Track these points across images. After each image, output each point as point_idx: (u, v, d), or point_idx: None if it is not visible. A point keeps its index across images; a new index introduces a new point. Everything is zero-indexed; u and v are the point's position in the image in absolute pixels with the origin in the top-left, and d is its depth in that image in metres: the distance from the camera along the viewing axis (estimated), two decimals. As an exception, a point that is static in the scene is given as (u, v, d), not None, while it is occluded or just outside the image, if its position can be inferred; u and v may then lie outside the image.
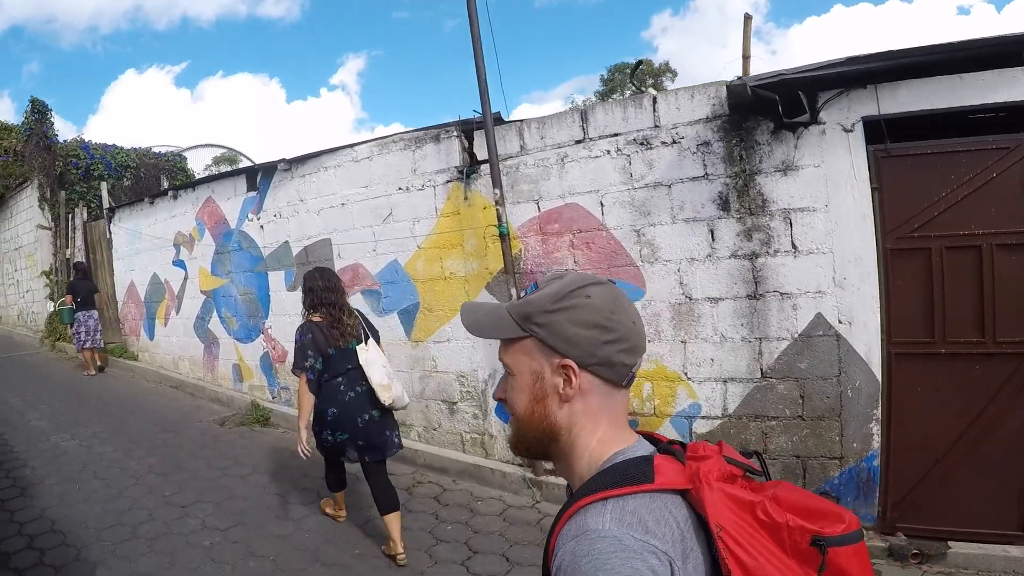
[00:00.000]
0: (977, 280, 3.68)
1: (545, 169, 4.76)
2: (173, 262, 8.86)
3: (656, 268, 4.38)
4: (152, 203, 9.25)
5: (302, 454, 3.87)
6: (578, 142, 4.62)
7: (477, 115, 4.98)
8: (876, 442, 3.89)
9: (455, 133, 5.20)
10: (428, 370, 5.57)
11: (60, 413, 7.50)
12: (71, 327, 9.93)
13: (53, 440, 6.42)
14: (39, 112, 12.30)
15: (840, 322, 3.92)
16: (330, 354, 3.84)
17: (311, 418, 3.89)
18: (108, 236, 10.54)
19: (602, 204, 4.55)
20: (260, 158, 8.28)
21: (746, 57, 5.58)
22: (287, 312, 6.74)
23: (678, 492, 0.87)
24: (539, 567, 0.91)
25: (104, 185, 11.16)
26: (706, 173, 4.17)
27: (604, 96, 31.13)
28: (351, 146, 6.00)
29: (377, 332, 4.21)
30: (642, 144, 4.36)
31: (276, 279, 7.00)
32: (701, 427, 4.32)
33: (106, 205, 10.73)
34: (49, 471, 5.53)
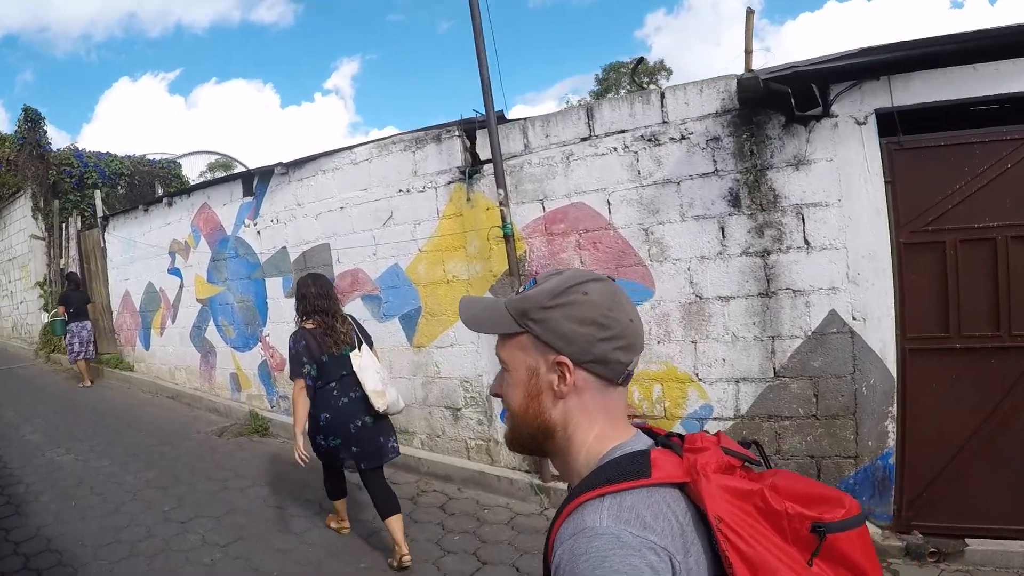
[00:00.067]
0: (992, 273, 3.62)
1: (550, 168, 4.66)
2: (168, 270, 8.72)
3: (665, 267, 4.28)
4: (147, 211, 9.12)
5: (299, 460, 3.82)
6: (584, 140, 4.52)
7: (478, 115, 4.89)
8: (891, 440, 3.80)
9: (457, 133, 5.09)
10: (431, 376, 5.45)
11: (55, 426, 7.38)
12: (64, 338, 9.81)
13: (48, 455, 6.30)
14: (32, 121, 12.19)
15: (854, 319, 3.83)
16: (324, 360, 3.83)
17: (307, 424, 3.86)
18: (102, 245, 10.40)
19: (609, 203, 4.44)
20: (255, 164, 8.15)
21: (748, 52, 5.49)
22: (285, 319, 6.61)
23: (676, 485, 0.86)
24: None
25: (98, 193, 11.05)
26: (716, 169, 4.08)
27: (599, 96, 31.04)
28: (350, 148, 5.89)
29: (370, 337, 4.19)
30: (650, 140, 4.27)
31: (274, 286, 6.88)
32: (713, 429, 4.13)
33: (100, 214, 10.61)
34: (44, 487, 5.40)
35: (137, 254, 9.40)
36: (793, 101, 3.67)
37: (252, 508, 4.83)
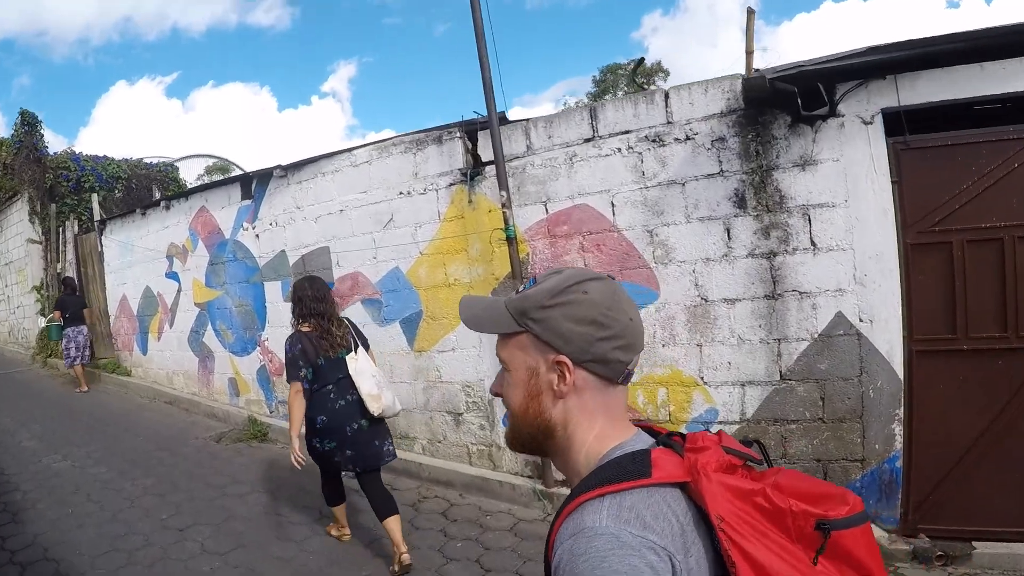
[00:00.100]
0: (999, 274, 3.59)
1: (553, 169, 4.61)
2: (166, 274, 8.67)
3: (670, 269, 4.23)
4: (144, 214, 9.07)
5: (296, 463, 3.79)
6: (587, 140, 4.47)
7: (479, 116, 4.84)
8: (898, 443, 3.77)
9: (458, 134, 5.04)
10: (432, 381, 5.39)
11: (52, 432, 7.31)
12: (61, 343, 9.76)
13: (45, 461, 6.24)
14: (29, 124, 12.15)
15: (861, 320, 3.79)
16: (320, 364, 3.82)
17: (303, 428, 3.86)
18: (99, 249, 10.35)
19: (613, 204, 4.39)
20: (252, 167, 8.10)
21: (749, 52, 5.46)
22: (284, 324, 6.55)
23: (677, 485, 0.86)
24: None
25: (95, 197, 11.01)
26: (721, 170, 4.03)
27: (596, 97, 30.99)
28: (349, 150, 5.84)
29: (367, 340, 4.18)
30: (654, 141, 4.22)
31: (273, 290, 6.82)
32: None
33: (97, 217, 10.56)
34: (41, 494, 5.34)
35: (134, 258, 9.35)
36: (799, 101, 3.63)
37: (251, 515, 4.77)
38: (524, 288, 0.98)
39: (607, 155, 4.39)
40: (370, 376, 3.87)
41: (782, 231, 3.90)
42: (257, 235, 6.91)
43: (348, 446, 3.82)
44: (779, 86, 3.57)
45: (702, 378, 4.19)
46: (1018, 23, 3.33)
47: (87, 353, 9.78)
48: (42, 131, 12.31)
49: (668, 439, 0.94)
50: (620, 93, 29.57)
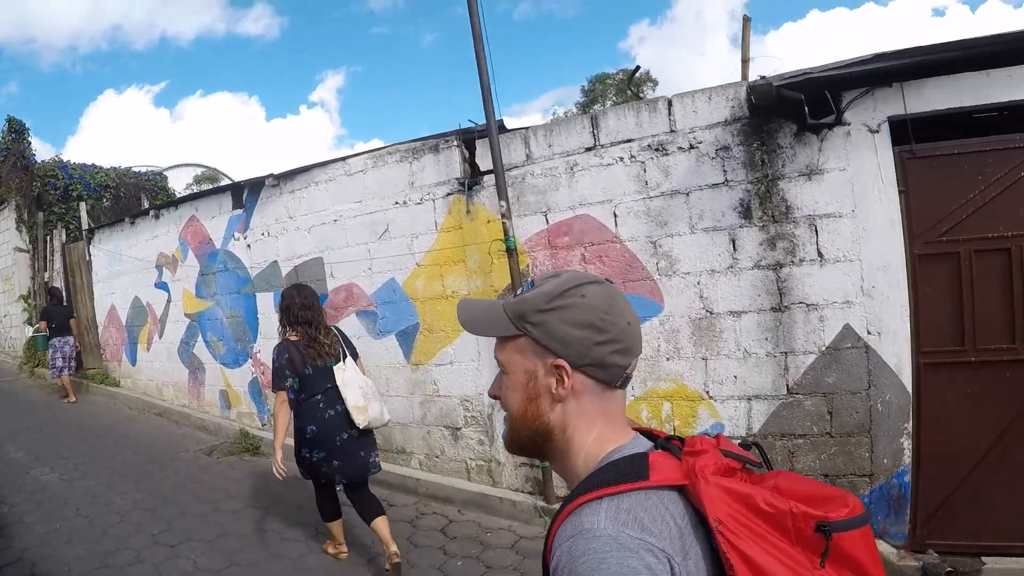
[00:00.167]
0: (1007, 284, 3.56)
1: (553, 179, 4.53)
2: (155, 284, 8.52)
3: (674, 281, 4.15)
4: (133, 223, 8.93)
5: (277, 473, 3.79)
6: (588, 149, 4.39)
7: (474, 124, 4.77)
8: (907, 457, 3.71)
9: (455, 143, 4.95)
10: (429, 394, 5.29)
11: (40, 444, 7.15)
12: (47, 353, 9.61)
13: (33, 473, 6.08)
14: (16, 132, 12.01)
15: (869, 333, 3.74)
16: (307, 374, 3.79)
17: (286, 438, 3.83)
18: (88, 258, 10.19)
19: (615, 214, 4.32)
20: (241, 177, 7.97)
21: (745, 61, 5.42)
22: (276, 335, 6.43)
23: (675, 488, 0.86)
24: None
25: (83, 206, 10.86)
26: (726, 179, 3.97)
27: (585, 107, 31.04)
28: (343, 159, 5.74)
29: (356, 350, 4.18)
30: (657, 150, 4.15)
31: (264, 301, 6.69)
32: (724, 448, 4.06)
33: (85, 226, 10.41)
34: (28, 508, 5.19)
35: (123, 267, 9.20)
36: (807, 108, 3.56)
37: (245, 531, 4.64)
38: (522, 291, 0.98)
39: (609, 164, 4.31)
40: (357, 387, 3.84)
41: (788, 242, 3.84)
42: (248, 245, 6.79)
43: (337, 456, 3.79)
44: (785, 93, 3.51)
45: (707, 392, 4.12)
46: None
47: (73, 364, 9.65)
48: (29, 139, 12.19)
49: (667, 443, 0.94)
50: (609, 103, 29.65)
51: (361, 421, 3.79)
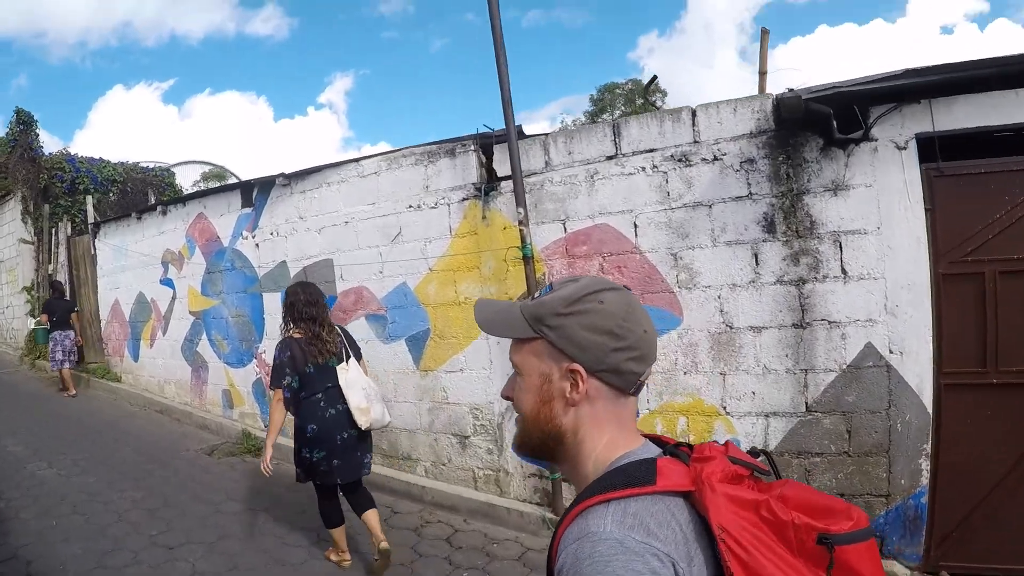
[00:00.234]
0: (1031, 307, 3.49)
1: (572, 187, 4.47)
2: (161, 281, 8.46)
3: (694, 294, 4.09)
4: (139, 218, 8.87)
5: (265, 470, 3.84)
6: (609, 158, 4.33)
7: (490, 129, 4.72)
8: (925, 478, 3.67)
9: (472, 147, 4.89)
10: (438, 401, 5.21)
11: (38, 438, 7.08)
12: (48, 346, 9.57)
13: (30, 468, 6.01)
14: (24, 123, 11.97)
15: (891, 352, 3.68)
16: (308, 372, 3.78)
17: (282, 439, 3.85)
18: (92, 252, 10.12)
19: (636, 225, 4.25)
20: (247, 175, 7.96)
21: (763, 73, 5.37)
22: (281, 335, 6.36)
23: (681, 494, 0.86)
24: None
25: (89, 199, 10.79)
26: (750, 192, 3.91)
27: (594, 116, 31.03)
28: (356, 160, 5.69)
29: (359, 350, 4.19)
30: (680, 161, 4.10)
31: (271, 301, 6.62)
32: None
33: (91, 220, 10.34)
34: (25, 503, 5.11)
35: (128, 262, 9.13)
36: (835, 123, 3.51)
37: (246, 535, 4.56)
38: (540, 294, 0.98)
39: (630, 173, 4.25)
40: (360, 388, 3.83)
41: (812, 258, 3.78)
42: (257, 244, 6.73)
43: (337, 455, 3.79)
44: (814, 107, 3.45)
45: (724, 408, 4.05)
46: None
47: (74, 357, 9.60)
48: (37, 131, 12.15)
49: (675, 449, 0.95)
50: (618, 112, 29.66)
51: (363, 422, 3.79)
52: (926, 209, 3.61)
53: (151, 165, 14.02)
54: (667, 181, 4.14)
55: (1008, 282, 3.53)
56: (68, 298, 10.24)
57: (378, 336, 5.53)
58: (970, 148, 3.58)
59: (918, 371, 3.64)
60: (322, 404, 3.79)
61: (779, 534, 0.83)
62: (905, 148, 3.61)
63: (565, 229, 4.51)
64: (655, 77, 16.75)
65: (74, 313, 9.81)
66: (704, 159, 4.03)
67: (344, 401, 3.80)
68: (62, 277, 11.05)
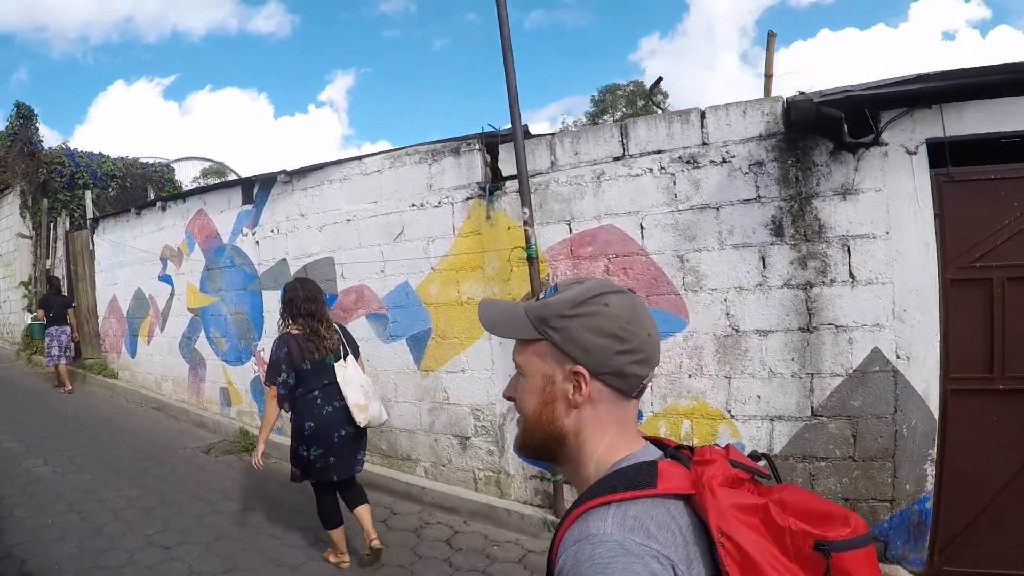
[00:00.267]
0: (1039, 313, 3.49)
1: (579, 187, 4.43)
2: (159, 277, 8.41)
3: (700, 297, 4.05)
4: (139, 214, 8.82)
5: (255, 465, 3.90)
6: (616, 159, 4.30)
7: (493, 128, 4.69)
8: (930, 484, 3.65)
9: (477, 146, 4.85)
10: (439, 402, 5.17)
11: (34, 434, 7.03)
12: (44, 341, 9.54)
13: (25, 465, 5.95)
14: (24, 117, 11.93)
15: (898, 357, 3.66)
16: (304, 368, 3.77)
17: (277, 436, 3.77)
18: (91, 247, 10.08)
19: (642, 227, 4.22)
20: (247, 172, 7.94)
21: (768, 76, 5.35)
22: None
23: (681, 497, 0.86)
24: None
25: (88, 194, 10.77)
26: (758, 195, 3.88)
27: (595, 117, 30.99)
28: (359, 158, 5.65)
29: (357, 347, 4.19)
30: (688, 162, 4.06)
31: (271, 298, 6.57)
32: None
33: (90, 215, 10.31)
34: (20, 501, 5.06)
35: (127, 258, 9.09)
36: (846, 127, 3.49)
37: (243, 535, 4.51)
38: (545, 295, 0.97)
39: (638, 175, 4.22)
40: (358, 386, 3.83)
41: (820, 262, 3.76)
42: (257, 241, 6.69)
43: (334, 453, 3.78)
44: (825, 111, 3.42)
45: (729, 411, 4.01)
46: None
47: (71, 353, 9.56)
48: (37, 125, 12.14)
49: (676, 452, 0.95)
50: (619, 113, 29.62)
51: (362, 420, 3.79)
52: (935, 214, 3.60)
53: (151, 161, 14.00)
54: (674, 183, 4.11)
55: (1016, 288, 3.52)
56: (65, 294, 10.19)
57: (379, 335, 5.49)
58: (979, 154, 3.57)
59: (925, 376, 3.62)
60: (319, 401, 3.78)
61: (777, 539, 0.83)
62: (915, 153, 3.58)
63: (570, 230, 4.48)
64: (660, 79, 16.56)
65: (71, 309, 9.76)
66: (712, 161, 4.00)
67: (341, 398, 3.79)
68: (60, 272, 11.00)
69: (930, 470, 3.64)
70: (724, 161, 3.96)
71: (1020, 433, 3.52)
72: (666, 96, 33.73)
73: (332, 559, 4.05)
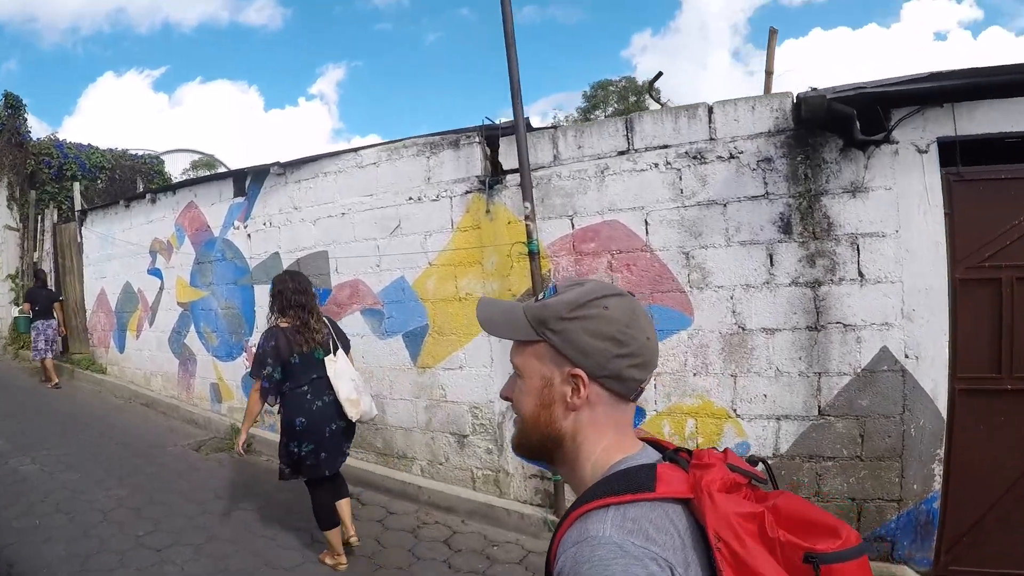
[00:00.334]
0: (1048, 314, 3.47)
1: (582, 182, 4.34)
2: (148, 270, 8.27)
3: (706, 294, 3.99)
4: (128, 206, 8.67)
5: (238, 451, 3.91)
6: (621, 153, 4.22)
7: (490, 121, 4.58)
8: (937, 483, 3.64)
9: (477, 139, 4.75)
10: (436, 399, 5.07)
11: (21, 431, 6.87)
12: (31, 335, 9.39)
13: (12, 463, 5.81)
14: (12, 107, 11.73)
15: (907, 356, 3.63)
16: (292, 362, 3.73)
17: (268, 432, 3.72)
18: (79, 240, 9.92)
19: (647, 222, 4.14)
20: (237, 165, 7.79)
21: (769, 73, 5.29)
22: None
23: (680, 501, 0.86)
24: None
25: (77, 186, 10.59)
26: (767, 192, 3.82)
27: (587, 112, 30.91)
28: (355, 150, 5.54)
29: (348, 342, 4.15)
30: (695, 158, 3.99)
31: (263, 293, 6.39)
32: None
33: (78, 207, 10.13)
34: (7, 501, 4.92)
35: (115, 251, 8.94)
36: (858, 124, 3.43)
37: (236, 536, 4.40)
38: (544, 296, 0.97)
39: (643, 170, 4.14)
40: (349, 380, 3.81)
41: (829, 260, 3.70)
42: (249, 235, 6.56)
43: (325, 448, 3.75)
44: (836, 107, 3.37)
45: (735, 410, 3.95)
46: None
47: (58, 347, 9.45)
48: (26, 115, 11.93)
49: (674, 454, 0.94)
50: (611, 109, 29.53)
51: (353, 415, 3.77)
52: (945, 213, 3.57)
53: (140, 152, 13.80)
54: (681, 178, 4.04)
55: (1025, 289, 3.48)
56: (52, 287, 10.03)
57: (374, 331, 5.39)
58: (989, 153, 3.54)
59: (933, 376, 3.59)
60: (308, 396, 3.73)
61: (770, 548, 0.83)
62: (926, 152, 3.54)
63: (573, 225, 4.39)
64: (660, 74, 16.46)
65: (58, 303, 9.60)
66: (720, 157, 3.93)
67: (331, 392, 3.76)
68: (47, 265, 10.84)
69: (938, 470, 3.62)
70: (732, 157, 3.90)
71: (1025, 434, 3.49)
72: (658, 92, 33.73)
73: (329, 561, 3.95)
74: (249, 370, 3.90)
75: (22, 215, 11.59)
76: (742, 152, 3.87)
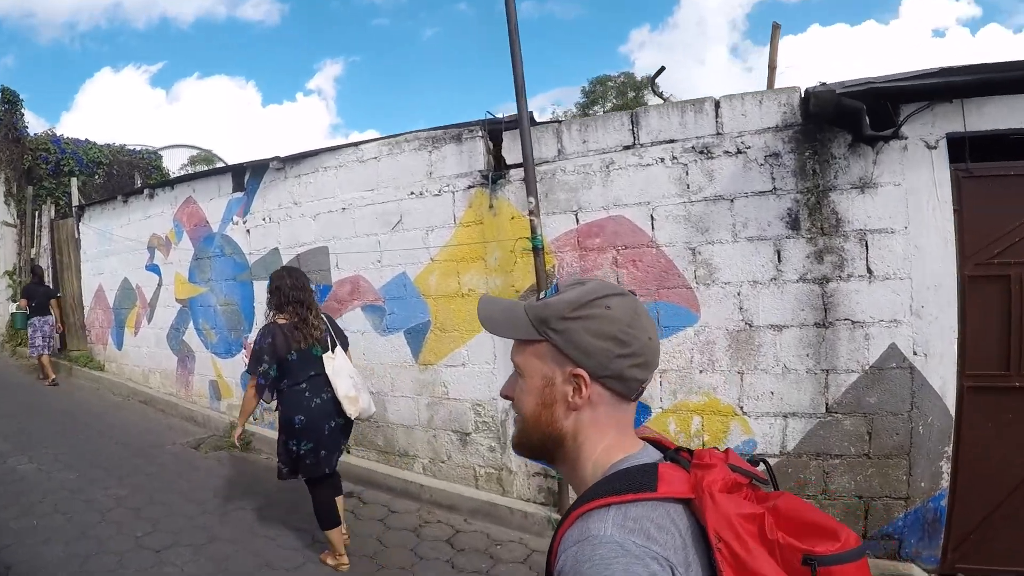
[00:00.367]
0: (1057, 311, 3.45)
1: (586, 177, 4.29)
2: (146, 266, 8.20)
3: (713, 291, 3.94)
4: (125, 202, 8.60)
5: (234, 441, 4.01)
6: (627, 148, 4.16)
7: (492, 115, 4.53)
8: (945, 481, 3.61)
9: (479, 134, 4.69)
10: (438, 396, 5.03)
11: (18, 430, 6.82)
12: (28, 332, 9.34)
13: (9, 463, 5.76)
14: (9, 102, 11.67)
15: (915, 354, 3.59)
16: (289, 359, 3.71)
17: (267, 430, 3.71)
18: (76, 236, 9.85)
19: (652, 218, 4.09)
20: (235, 160, 7.76)
21: (772, 68, 5.23)
22: (270, 324, 6.17)
23: (681, 501, 0.86)
24: None
25: (74, 181, 10.54)
26: (774, 187, 3.77)
27: (585, 108, 30.83)
28: (355, 145, 5.48)
29: (346, 339, 4.15)
30: (702, 153, 3.94)
31: (262, 289, 6.32)
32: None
33: (75, 203, 10.09)
34: (4, 502, 4.87)
35: (113, 247, 8.87)
36: (867, 119, 3.38)
37: (236, 536, 4.36)
38: (545, 295, 0.97)
39: (648, 164, 4.09)
40: (348, 377, 3.79)
41: (837, 256, 3.66)
42: (248, 230, 6.50)
43: (324, 446, 3.74)
44: (846, 102, 3.32)
45: (741, 408, 3.91)
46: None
47: (55, 344, 9.38)
48: (23, 111, 11.89)
49: (675, 454, 0.94)
50: (609, 105, 29.46)
51: (352, 412, 3.75)
52: (954, 209, 3.53)
53: (138, 148, 13.73)
54: (687, 173, 3.99)
55: (1034, 286, 3.45)
56: (49, 283, 9.98)
57: (375, 328, 5.34)
58: (999, 149, 3.52)
59: (942, 373, 3.56)
60: (307, 394, 3.70)
61: (770, 550, 0.82)
62: (935, 148, 3.51)
63: (577, 220, 4.34)
64: (663, 68, 16.36)
65: (55, 299, 9.54)
66: (727, 152, 3.88)
67: (329, 389, 3.74)
68: (45, 261, 10.78)
69: (945, 467, 3.60)
70: (739, 152, 3.85)
71: (1035, 431, 3.47)
72: (658, 87, 33.63)
73: (330, 561, 3.91)
74: (246, 367, 3.85)
75: (19, 211, 11.54)
76: (749, 147, 3.82)
